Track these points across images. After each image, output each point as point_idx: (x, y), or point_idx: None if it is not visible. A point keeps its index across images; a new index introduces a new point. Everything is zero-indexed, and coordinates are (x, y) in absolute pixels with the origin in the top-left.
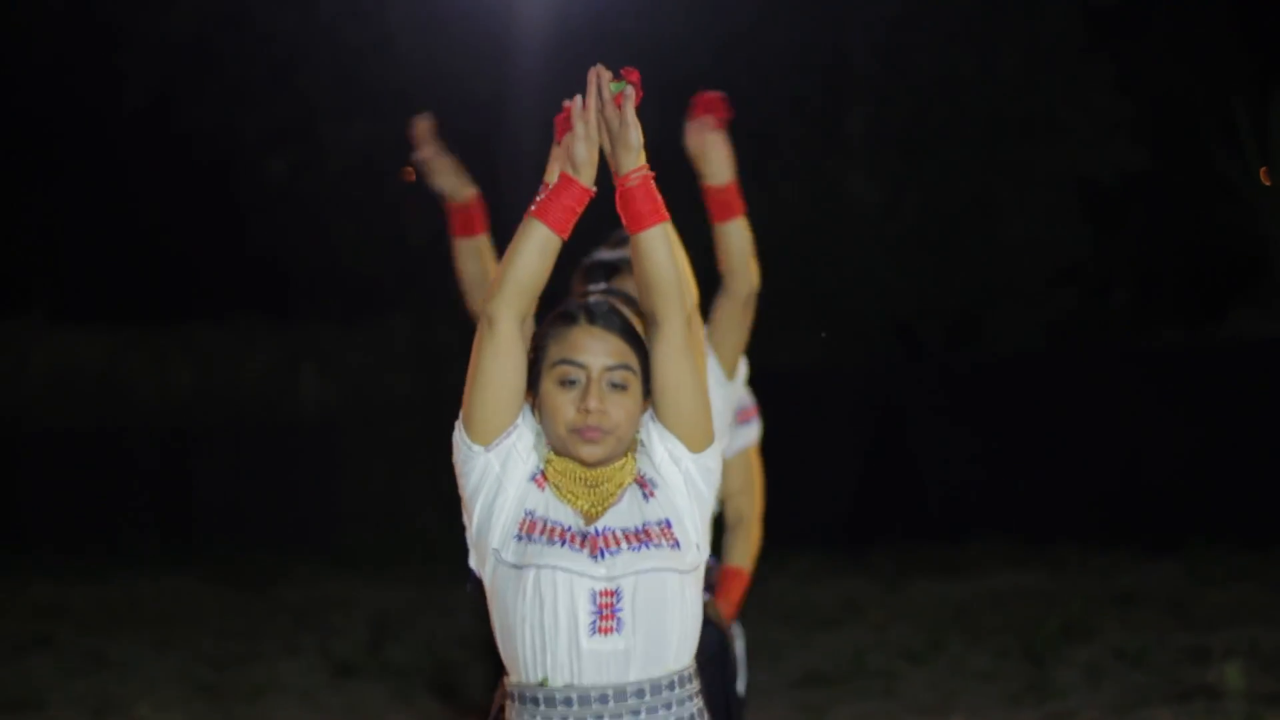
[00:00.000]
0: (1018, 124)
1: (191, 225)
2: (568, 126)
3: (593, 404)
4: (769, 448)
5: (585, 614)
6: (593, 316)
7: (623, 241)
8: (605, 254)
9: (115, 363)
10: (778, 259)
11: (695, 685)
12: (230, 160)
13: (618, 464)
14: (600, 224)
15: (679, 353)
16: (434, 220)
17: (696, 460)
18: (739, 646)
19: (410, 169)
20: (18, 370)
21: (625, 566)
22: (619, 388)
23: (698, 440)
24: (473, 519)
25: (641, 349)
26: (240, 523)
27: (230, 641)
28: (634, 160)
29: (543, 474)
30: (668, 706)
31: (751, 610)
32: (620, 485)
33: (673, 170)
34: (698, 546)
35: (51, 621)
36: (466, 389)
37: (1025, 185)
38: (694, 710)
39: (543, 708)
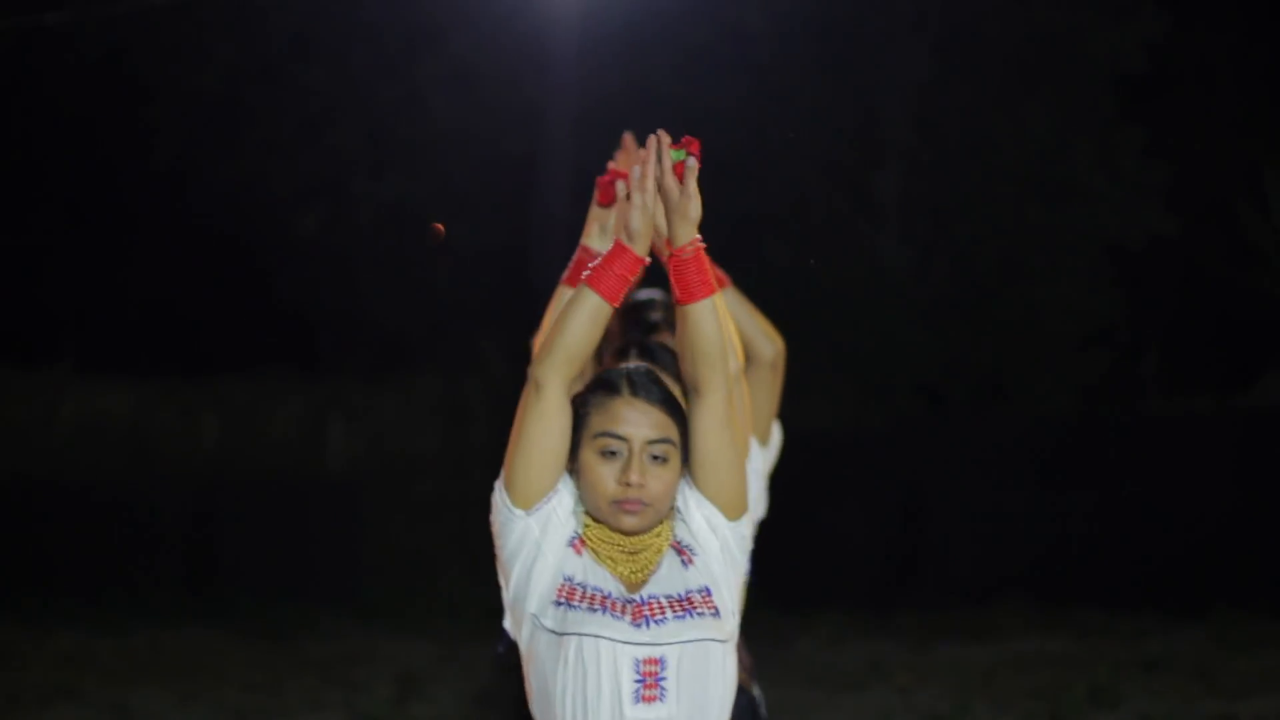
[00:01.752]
0: (1048, 188)
1: (220, 278)
2: (611, 189)
3: (634, 478)
4: (796, 509)
5: (629, 682)
6: (635, 388)
7: (635, 308)
8: (632, 332)
9: (142, 414)
10: (807, 320)
11: None
12: (260, 213)
13: (654, 531)
14: None
15: (720, 423)
16: (462, 276)
17: (733, 529)
18: (762, 707)
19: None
20: (45, 420)
21: (671, 635)
22: (660, 460)
23: (734, 509)
24: (509, 582)
25: (682, 419)
26: (265, 576)
27: (254, 695)
28: (690, 232)
29: (580, 539)
30: None
31: (777, 671)
32: (659, 551)
33: (700, 228)
34: (734, 614)
35: (76, 672)
36: (509, 451)
37: (1055, 250)
38: None
39: None
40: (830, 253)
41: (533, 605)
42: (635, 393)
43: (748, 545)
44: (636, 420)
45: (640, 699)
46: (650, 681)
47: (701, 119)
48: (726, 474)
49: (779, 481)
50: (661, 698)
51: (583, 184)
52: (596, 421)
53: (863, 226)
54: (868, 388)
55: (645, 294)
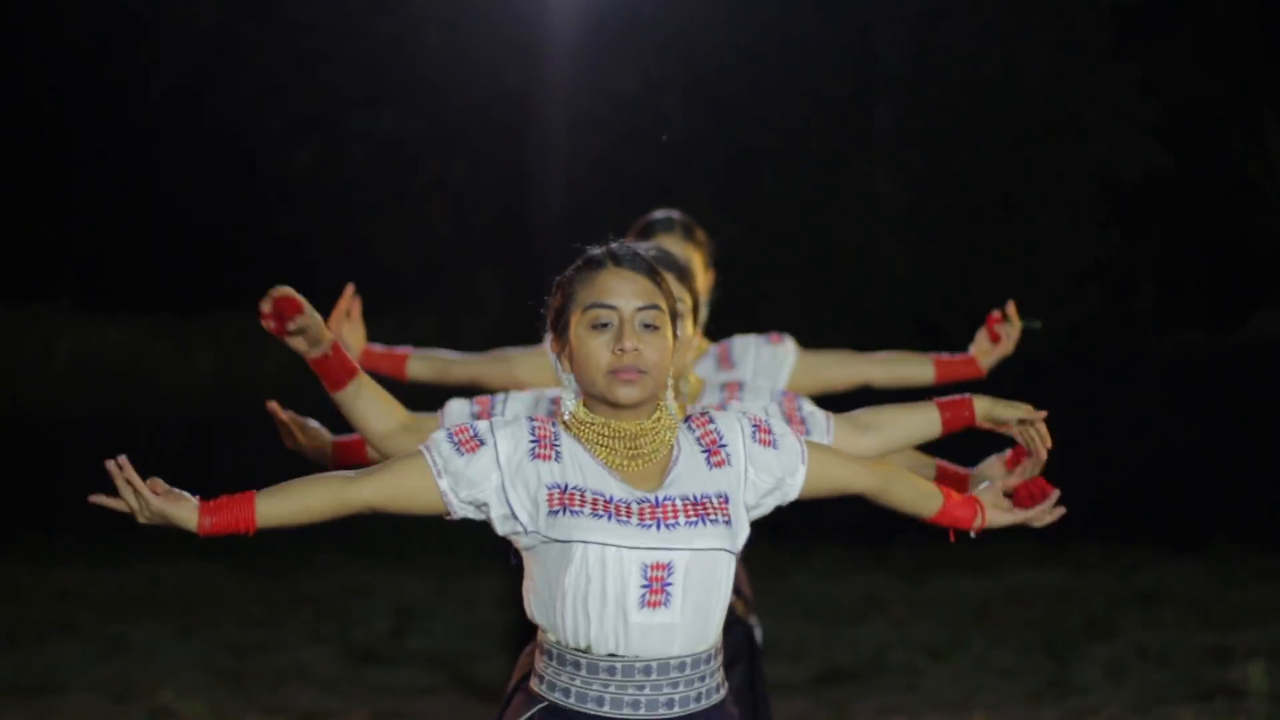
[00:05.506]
0: (1043, 123)
1: (217, 214)
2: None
3: (628, 344)
4: None
5: (635, 588)
6: (619, 259)
7: (646, 228)
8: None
9: (139, 350)
10: (802, 256)
11: (720, 656)
12: (256, 149)
13: (654, 417)
14: (625, 213)
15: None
16: (458, 212)
17: (786, 495)
18: (757, 634)
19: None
20: (42, 357)
21: (681, 540)
22: (651, 328)
23: (806, 492)
24: (518, 531)
25: (667, 289)
26: None
27: (252, 629)
28: None
29: (541, 444)
30: (702, 679)
31: (773, 605)
32: (665, 443)
33: (696, 163)
34: (745, 529)
35: (73, 607)
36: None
37: (1050, 185)
38: (720, 679)
39: (584, 673)
40: (825, 188)
41: (530, 524)
42: (619, 263)
43: (762, 511)
44: (624, 290)
45: (645, 604)
46: (656, 587)
47: (696, 53)
48: (835, 487)
49: None
50: (666, 603)
51: (579, 119)
52: (584, 295)
53: (857, 161)
54: (862, 322)
55: (657, 221)
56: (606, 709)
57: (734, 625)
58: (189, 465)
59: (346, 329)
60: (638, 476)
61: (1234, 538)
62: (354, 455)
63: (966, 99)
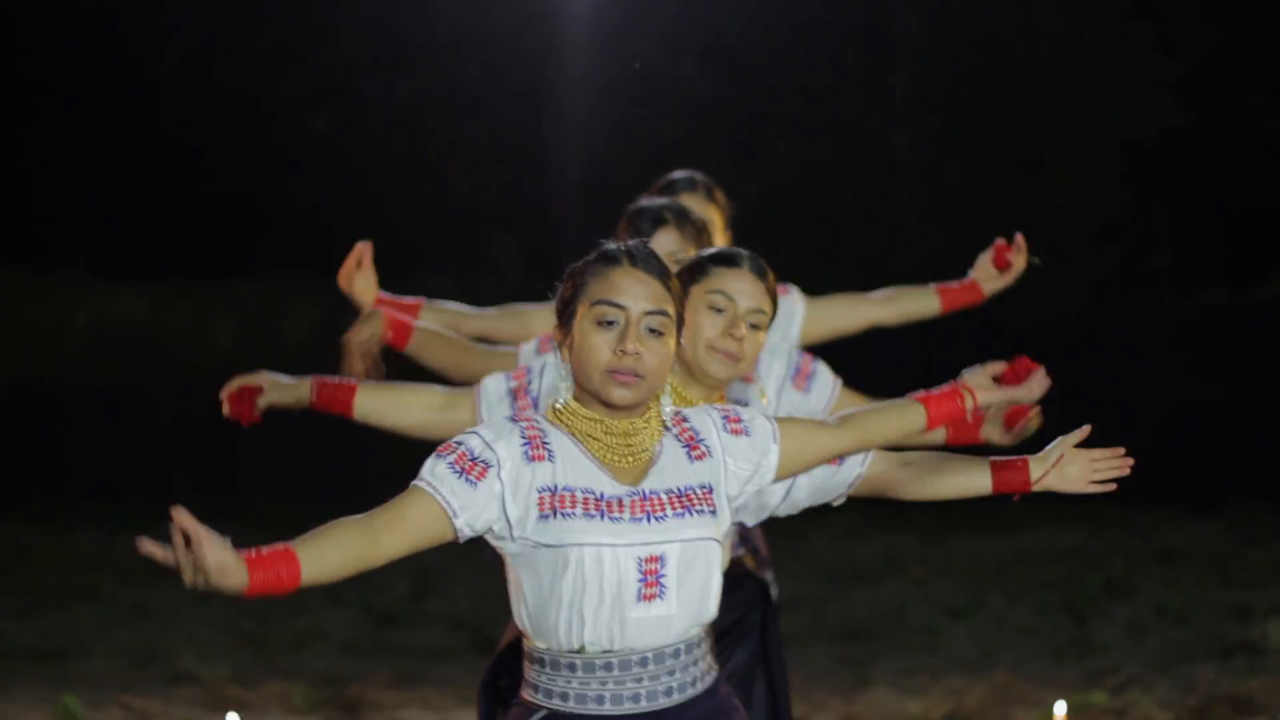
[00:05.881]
0: (1060, 84)
1: (234, 180)
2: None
3: (630, 346)
4: None
5: (632, 583)
6: (634, 259)
7: (667, 187)
8: (648, 201)
9: (157, 317)
10: (819, 218)
11: (710, 639)
12: (274, 116)
13: (644, 416)
14: (642, 177)
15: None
16: (475, 176)
17: (761, 480)
18: (774, 591)
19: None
20: (60, 324)
21: (670, 533)
22: (656, 333)
23: (776, 476)
24: (503, 537)
25: (678, 296)
26: (281, 477)
27: None
28: None
29: (532, 442)
30: (695, 663)
31: (793, 566)
32: (653, 439)
33: (713, 126)
34: (728, 515)
35: (94, 572)
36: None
37: (1067, 146)
38: (710, 661)
39: (580, 673)
40: (842, 150)
41: (519, 529)
42: (634, 264)
43: (743, 501)
44: (635, 290)
45: (641, 598)
46: (651, 580)
47: (713, 16)
48: (805, 467)
49: None
50: (661, 595)
51: (595, 83)
52: (594, 290)
53: (875, 124)
54: (880, 284)
55: (652, 201)
56: (608, 707)
57: (744, 578)
58: (207, 433)
59: (358, 278)
60: (624, 472)
61: (1253, 497)
62: (402, 332)
63: (983, 60)
